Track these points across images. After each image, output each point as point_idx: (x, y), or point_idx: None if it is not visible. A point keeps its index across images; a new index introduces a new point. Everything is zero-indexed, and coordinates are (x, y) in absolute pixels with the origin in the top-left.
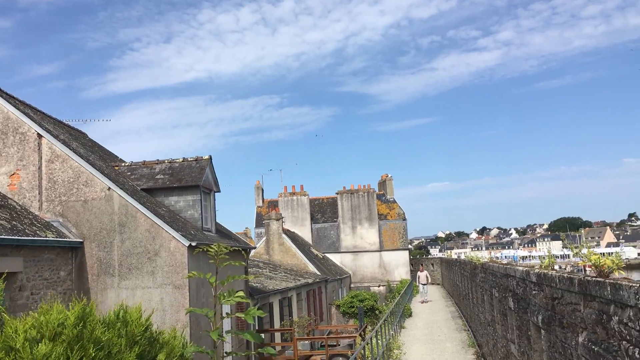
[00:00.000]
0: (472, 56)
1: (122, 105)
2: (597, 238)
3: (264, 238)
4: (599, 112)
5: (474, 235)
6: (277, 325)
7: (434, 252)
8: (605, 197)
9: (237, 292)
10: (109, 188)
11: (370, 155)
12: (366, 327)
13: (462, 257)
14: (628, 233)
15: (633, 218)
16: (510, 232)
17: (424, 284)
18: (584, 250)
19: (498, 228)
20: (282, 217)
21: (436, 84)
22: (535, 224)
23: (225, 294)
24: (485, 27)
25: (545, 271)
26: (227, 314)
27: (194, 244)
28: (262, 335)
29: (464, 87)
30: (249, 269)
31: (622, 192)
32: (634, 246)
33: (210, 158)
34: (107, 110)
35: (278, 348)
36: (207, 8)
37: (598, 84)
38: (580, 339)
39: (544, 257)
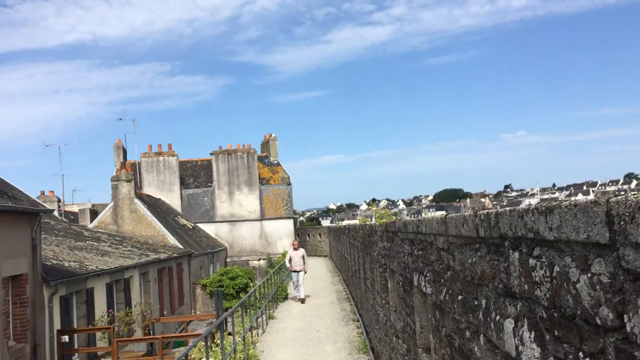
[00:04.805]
0: (366, 30)
1: None
2: (477, 208)
3: (111, 204)
4: (480, 89)
5: (364, 206)
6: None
7: (325, 223)
8: (484, 170)
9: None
10: None
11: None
12: (226, 318)
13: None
14: (504, 203)
15: (508, 189)
16: (398, 203)
17: (299, 270)
18: None
19: (387, 199)
20: (134, 178)
21: (331, 57)
22: (421, 196)
23: None
24: (379, 1)
25: None
26: None
27: None
28: (66, 337)
29: (358, 61)
30: (81, 242)
31: (500, 165)
32: None
33: None
34: None
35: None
36: None
37: (481, 63)
38: None
39: None
